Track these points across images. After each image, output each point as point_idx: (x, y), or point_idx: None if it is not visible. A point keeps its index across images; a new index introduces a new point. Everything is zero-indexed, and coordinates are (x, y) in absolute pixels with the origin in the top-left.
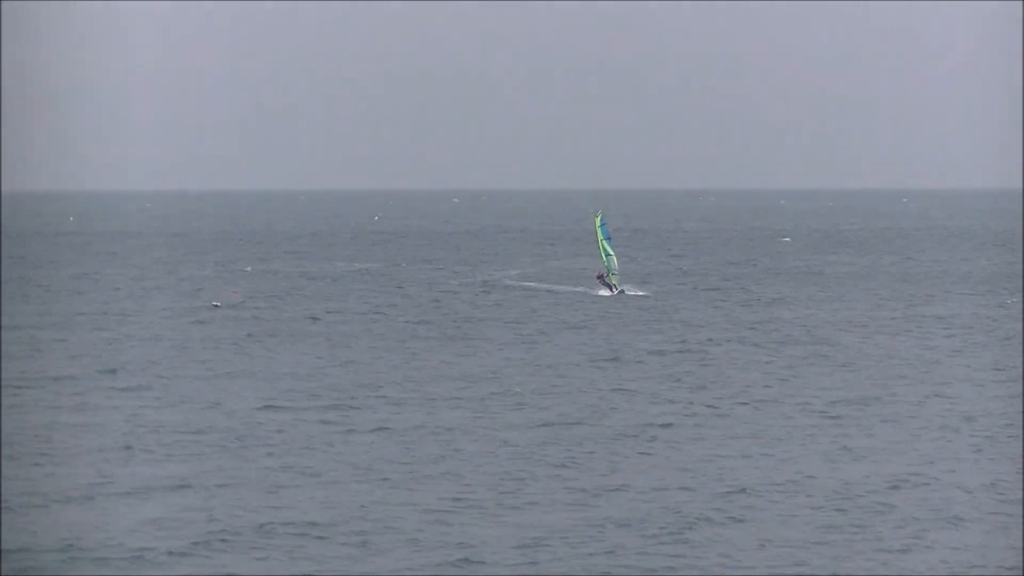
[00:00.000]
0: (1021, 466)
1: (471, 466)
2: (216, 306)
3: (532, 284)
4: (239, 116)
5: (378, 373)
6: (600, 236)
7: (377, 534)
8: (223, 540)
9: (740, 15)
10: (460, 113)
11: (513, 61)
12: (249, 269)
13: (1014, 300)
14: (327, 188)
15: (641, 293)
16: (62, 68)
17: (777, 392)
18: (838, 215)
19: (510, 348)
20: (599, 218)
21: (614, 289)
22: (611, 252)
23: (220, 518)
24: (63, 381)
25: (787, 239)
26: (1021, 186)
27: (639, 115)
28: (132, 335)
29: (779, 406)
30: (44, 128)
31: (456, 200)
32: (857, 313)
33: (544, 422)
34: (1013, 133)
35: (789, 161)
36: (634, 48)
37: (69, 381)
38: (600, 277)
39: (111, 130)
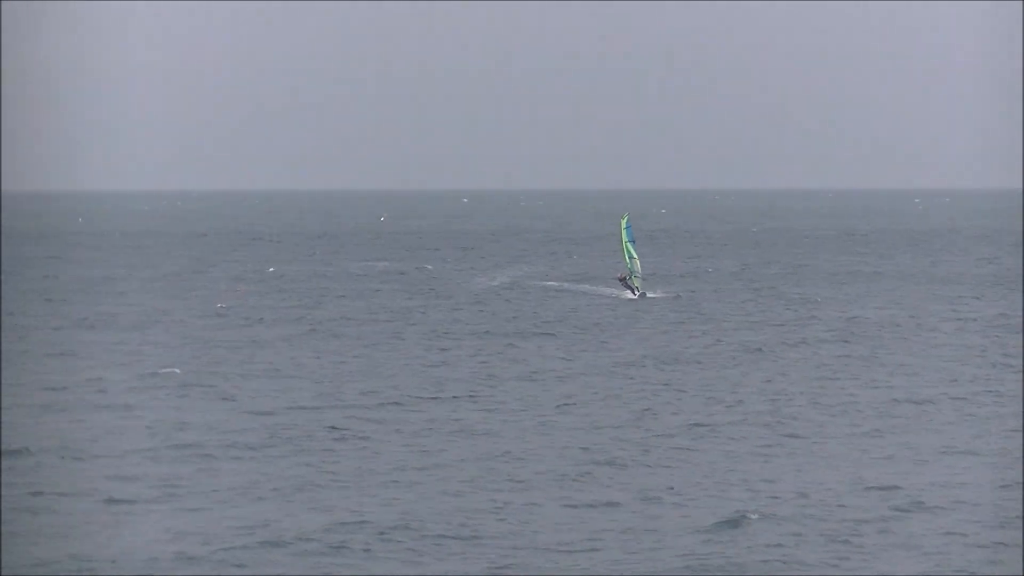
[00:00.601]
0: (1021, 466)
1: (523, 466)
2: (221, 307)
3: (554, 284)
4: (238, 116)
5: (423, 374)
6: (625, 239)
7: (431, 534)
8: (277, 542)
9: (739, 15)
10: (461, 113)
11: (514, 61)
12: (272, 269)
13: (1016, 299)
14: (322, 189)
15: (663, 295)
16: (61, 67)
17: (809, 393)
18: (851, 216)
19: (548, 349)
20: (625, 220)
21: (636, 292)
22: (635, 255)
23: (274, 520)
24: (101, 383)
25: (806, 238)
26: (1021, 186)
27: (636, 115)
28: (170, 336)
29: (812, 408)
30: (43, 128)
31: (466, 200)
32: (891, 313)
33: (593, 423)
34: (1013, 133)
35: (786, 161)
36: (633, 49)
37: (108, 383)
38: (623, 279)
39: (110, 130)
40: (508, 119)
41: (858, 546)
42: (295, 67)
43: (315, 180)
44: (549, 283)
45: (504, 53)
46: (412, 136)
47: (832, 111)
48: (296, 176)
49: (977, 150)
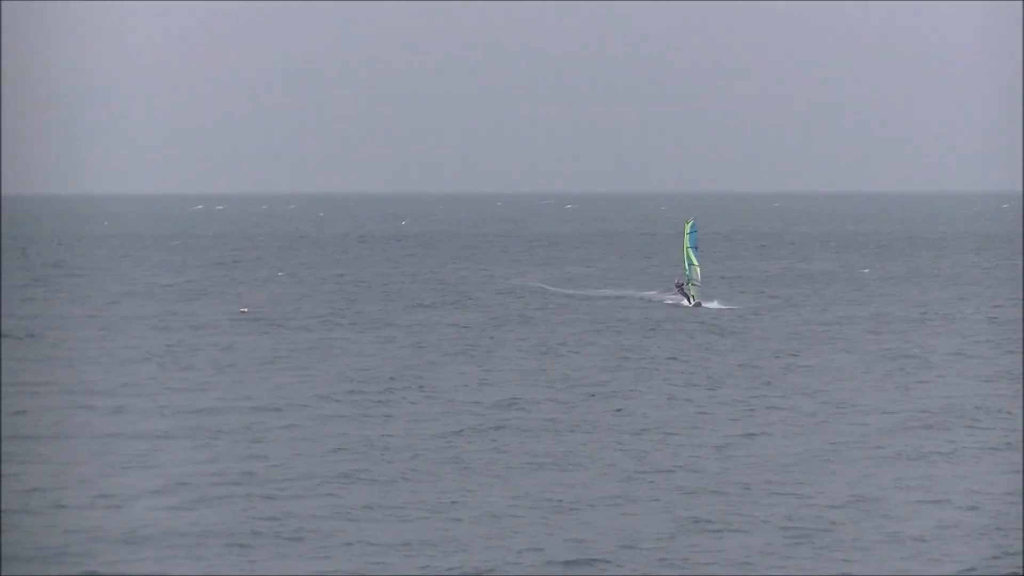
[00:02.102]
0: (1022, 466)
1: (677, 474)
2: (244, 312)
3: (613, 291)
4: (238, 116)
5: (514, 379)
6: (687, 244)
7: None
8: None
9: (739, 16)
10: (461, 113)
11: (514, 61)
12: (279, 274)
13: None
14: (321, 192)
15: (721, 307)
16: (61, 67)
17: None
18: (884, 220)
19: (653, 351)
20: (689, 225)
21: (691, 300)
22: (696, 263)
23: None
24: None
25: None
26: (1021, 188)
27: (636, 116)
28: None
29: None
30: (43, 128)
31: (499, 204)
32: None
33: (728, 429)
34: (1013, 134)
35: (784, 163)
36: (633, 49)
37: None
38: (679, 286)
39: (110, 130)
40: (508, 119)
41: (812, 545)
42: (295, 67)
43: (315, 181)
44: (622, 293)
45: (504, 53)
46: (412, 136)
47: (832, 111)
48: (296, 177)
49: (977, 151)
